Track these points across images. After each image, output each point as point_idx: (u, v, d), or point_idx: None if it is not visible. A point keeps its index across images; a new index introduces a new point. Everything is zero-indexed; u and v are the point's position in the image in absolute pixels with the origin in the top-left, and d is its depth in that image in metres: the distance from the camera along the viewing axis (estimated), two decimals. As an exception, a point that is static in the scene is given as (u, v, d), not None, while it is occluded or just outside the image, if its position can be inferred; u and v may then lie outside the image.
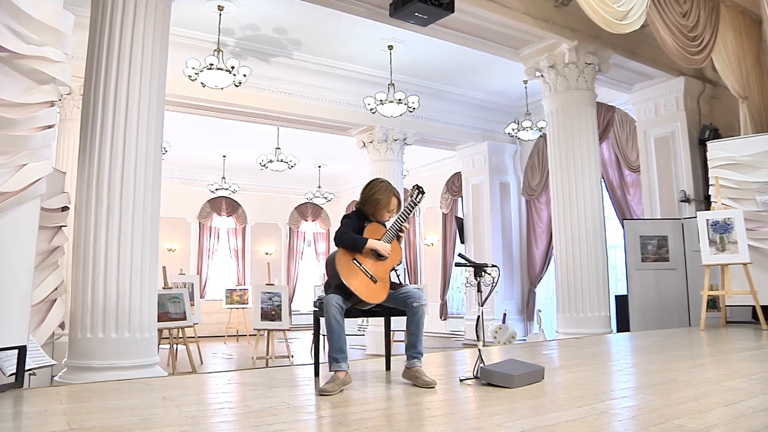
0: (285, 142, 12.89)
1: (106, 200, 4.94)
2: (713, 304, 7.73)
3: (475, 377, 3.51)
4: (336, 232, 3.55)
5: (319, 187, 16.62)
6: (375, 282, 3.49)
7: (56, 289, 4.92)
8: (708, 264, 6.81)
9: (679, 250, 8.36)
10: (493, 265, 3.68)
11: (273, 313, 8.10)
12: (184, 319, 6.89)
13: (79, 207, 5.01)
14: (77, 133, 5.66)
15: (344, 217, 3.70)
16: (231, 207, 17.23)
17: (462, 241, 13.92)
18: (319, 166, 16.62)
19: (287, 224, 18.44)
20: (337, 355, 3.31)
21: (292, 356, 7.93)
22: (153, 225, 5.21)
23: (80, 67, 5.44)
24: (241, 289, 14.08)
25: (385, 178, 3.89)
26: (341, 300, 3.38)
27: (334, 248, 3.63)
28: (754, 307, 6.79)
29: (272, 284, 8.38)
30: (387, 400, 3.05)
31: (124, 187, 5.01)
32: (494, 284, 3.66)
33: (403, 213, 3.73)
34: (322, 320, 3.45)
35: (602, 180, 8.64)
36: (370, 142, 11.70)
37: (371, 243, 3.50)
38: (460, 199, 14.42)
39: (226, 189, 15.10)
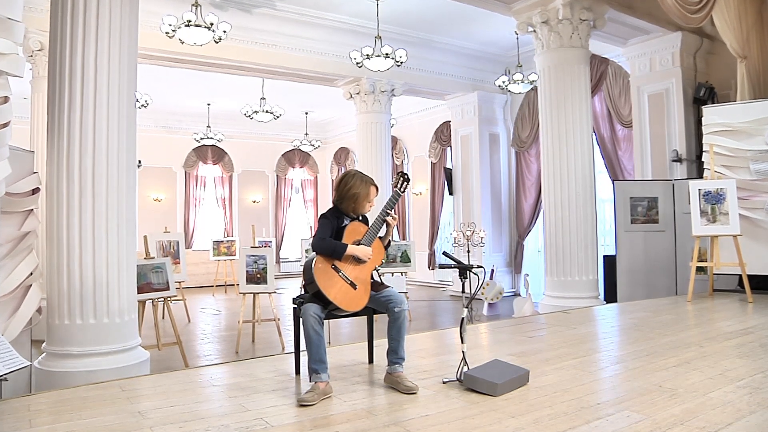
0: (271, 89, 12.52)
1: (78, 180, 4.71)
2: (701, 266, 7.71)
3: (459, 380, 3.45)
4: (313, 237, 3.39)
5: (307, 134, 16.30)
6: (355, 288, 3.37)
7: (31, 274, 4.77)
8: (698, 235, 6.73)
9: (669, 212, 8.28)
10: (479, 266, 3.55)
11: (258, 276, 7.99)
12: (167, 289, 6.76)
13: (50, 188, 4.79)
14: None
15: (321, 216, 3.53)
16: (217, 155, 16.93)
17: (450, 193, 13.80)
18: (306, 113, 16.25)
19: (274, 171, 18.20)
20: (317, 366, 3.22)
21: (278, 319, 7.89)
22: (129, 204, 5.01)
23: (46, 20, 5.06)
24: (228, 241, 13.95)
25: (357, 170, 3.68)
26: (319, 309, 3.26)
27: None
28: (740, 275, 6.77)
29: (257, 246, 8.25)
30: (367, 416, 2.97)
31: (97, 166, 4.75)
32: (480, 285, 3.54)
33: (387, 204, 3.56)
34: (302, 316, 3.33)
35: (593, 134, 8.45)
36: (357, 94, 11.39)
37: (351, 249, 3.35)
38: (449, 148, 14.19)
39: (212, 138, 14.78)
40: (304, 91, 13.41)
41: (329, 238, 3.38)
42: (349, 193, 3.51)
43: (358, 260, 3.42)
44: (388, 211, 3.51)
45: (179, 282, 9.43)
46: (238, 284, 8.50)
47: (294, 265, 17.72)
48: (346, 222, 3.53)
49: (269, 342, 8.00)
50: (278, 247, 17.64)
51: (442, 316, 10.38)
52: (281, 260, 17.83)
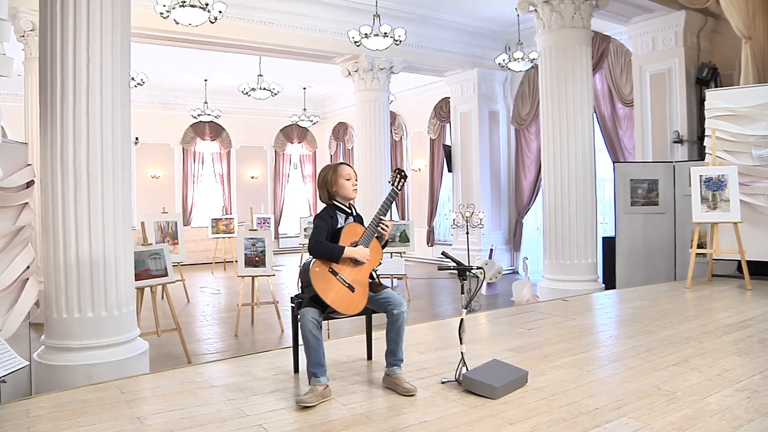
0: (268, 65, 12.36)
1: (73, 171, 4.65)
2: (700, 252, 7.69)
3: (457, 381, 3.45)
4: (309, 240, 3.36)
5: (305, 109, 16.16)
6: (353, 291, 3.34)
7: (28, 267, 4.74)
8: (698, 222, 6.70)
9: (669, 194, 8.23)
10: (478, 268, 3.53)
11: (257, 259, 7.98)
12: (166, 275, 6.74)
13: (44, 179, 4.74)
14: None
15: (316, 217, 3.48)
16: (215, 131, 16.80)
17: (449, 170, 13.72)
18: (304, 88, 16.08)
19: (273, 147, 18.09)
20: (316, 369, 3.22)
21: (277, 302, 7.91)
22: (125, 194, 4.96)
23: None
24: (226, 218, 13.92)
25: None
26: (317, 313, 3.24)
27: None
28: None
29: (255, 229, 8.23)
30: (366, 422, 2.97)
31: (91, 157, 4.69)
32: (479, 286, 3.52)
33: (384, 203, 3.52)
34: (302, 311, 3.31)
35: (594, 113, 8.36)
36: (356, 71, 11.24)
37: (348, 251, 3.32)
38: (448, 125, 14.08)
39: (209, 114, 14.63)
40: (302, 67, 13.23)
41: (326, 242, 3.35)
42: (328, 177, 3.52)
43: (356, 262, 3.39)
44: (382, 217, 3.47)
45: (178, 262, 9.42)
46: (236, 261, 8.51)
47: (293, 241, 17.74)
48: (341, 223, 3.49)
49: (268, 324, 8.03)
50: (277, 223, 17.64)
51: (440, 296, 10.41)
52: (280, 236, 17.85)
